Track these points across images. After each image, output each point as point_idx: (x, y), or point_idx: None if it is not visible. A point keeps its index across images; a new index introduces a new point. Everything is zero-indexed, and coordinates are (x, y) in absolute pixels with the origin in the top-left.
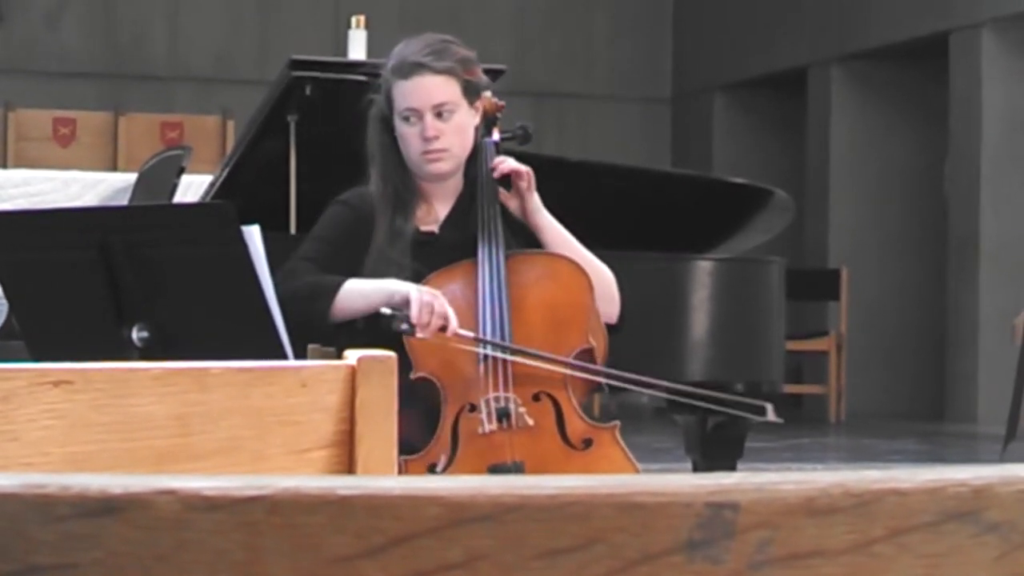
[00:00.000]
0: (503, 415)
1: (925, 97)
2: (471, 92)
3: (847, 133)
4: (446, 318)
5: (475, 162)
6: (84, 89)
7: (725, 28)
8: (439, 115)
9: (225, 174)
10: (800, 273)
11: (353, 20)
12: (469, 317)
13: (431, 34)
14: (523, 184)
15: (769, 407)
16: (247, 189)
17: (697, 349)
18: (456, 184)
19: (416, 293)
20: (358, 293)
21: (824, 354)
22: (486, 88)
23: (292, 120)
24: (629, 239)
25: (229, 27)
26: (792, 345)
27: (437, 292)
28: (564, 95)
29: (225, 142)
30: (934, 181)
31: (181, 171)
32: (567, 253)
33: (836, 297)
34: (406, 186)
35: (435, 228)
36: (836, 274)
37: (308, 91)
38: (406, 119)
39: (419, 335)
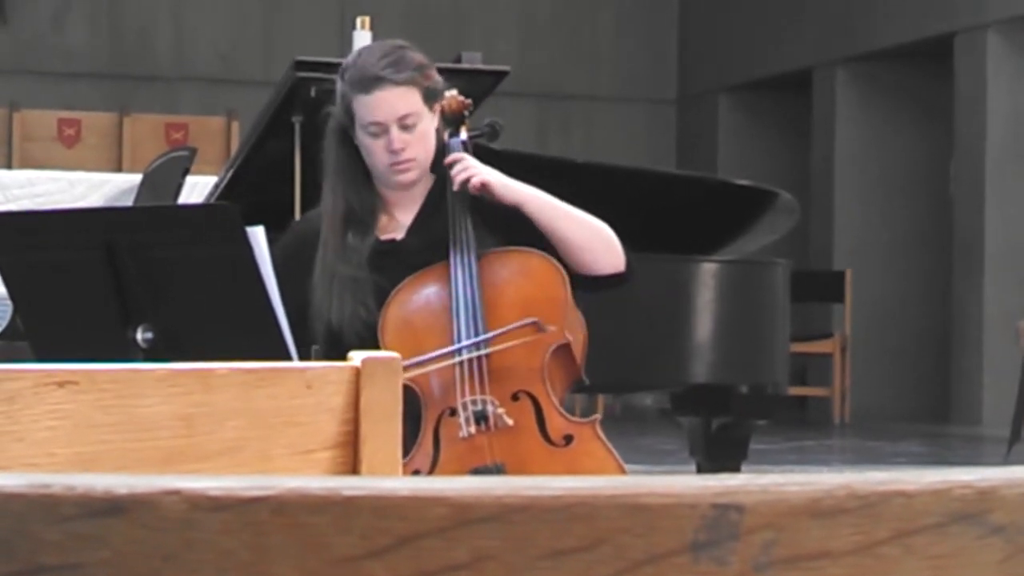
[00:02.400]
0: (480, 418)
1: (930, 98)
2: (431, 97)
3: (852, 134)
4: None
5: (441, 163)
6: (89, 90)
7: (730, 29)
8: (404, 127)
9: (230, 175)
10: (805, 274)
11: (358, 21)
12: (444, 320)
13: (384, 42)
14: (473, 183)
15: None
16: (252, 190)
17: (701, 351)
18: (421, 188)
19: None
20: None
21: (829, 356)
22: (444, 90)
23: (297, 121)
24: (634, 240)
25: (234, 28)
26: (797, 347)
27: None
28: (569, 96)
29: (230, 143)
30: (939, 182)
31: (186, 172)
32: (555, 219)
33: (841, 299)
34: (363, 198)
35: (397, 235)
36: (841, 276)
37: (313, 92)
38: (371, 133)
39: None
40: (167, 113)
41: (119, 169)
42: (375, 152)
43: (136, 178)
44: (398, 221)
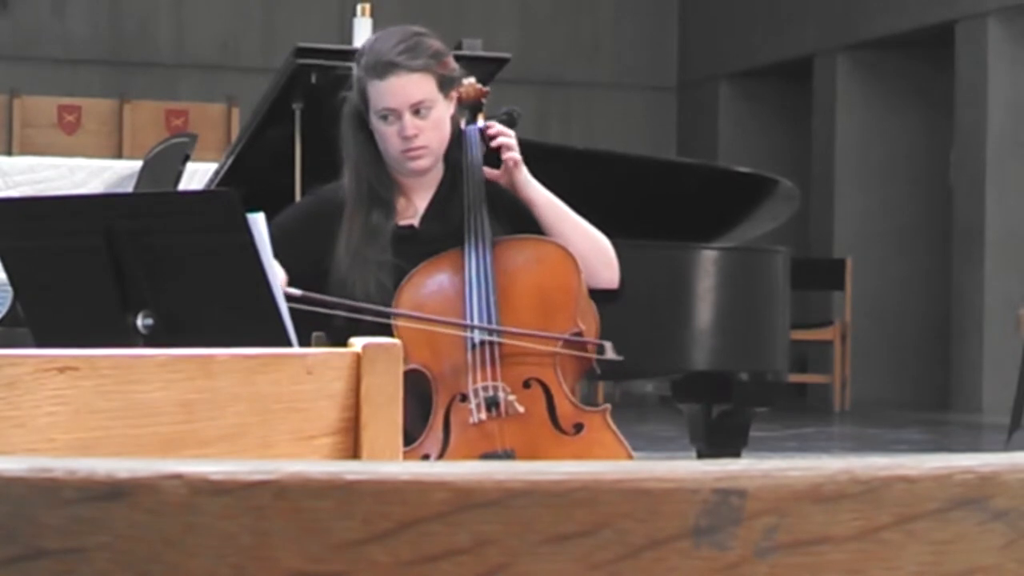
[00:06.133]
0: (492, 404)
1: (931, 86)
2: (446, 85)
3: (853, 122)
4: None
5: (455, 150)
6: (89, 76)
7: (731, 16)
8: (416, 112)
9: (230, 162)
10: (805, 262)
11: (358, 8)
12: (457, 305)
13: (402, 27)
14: (511, 156)
15: (608, 345)
16: (252, 177)
17: (702, 338)
18: (435, 174)
19: None
20: None
21: (829, 343)
22: (460, 78)
23: (297, 108)
24: (634, 228)
25: (234, 14)
26: (797, 334)
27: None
28: (569, 83)
29: (230, 130)
30: (939, 170)
31: (186, 158)
32: (562, 224)
33: (841, 286)
34: (382, 182)
35: (414, 222)
36: (841, 263)
37: (313, 79)
38: (384, 118)
39: None
40: (167, 100)
41: (119, 156)
42: (388, 138)
43: (136, 165)
44: (415, 206)
